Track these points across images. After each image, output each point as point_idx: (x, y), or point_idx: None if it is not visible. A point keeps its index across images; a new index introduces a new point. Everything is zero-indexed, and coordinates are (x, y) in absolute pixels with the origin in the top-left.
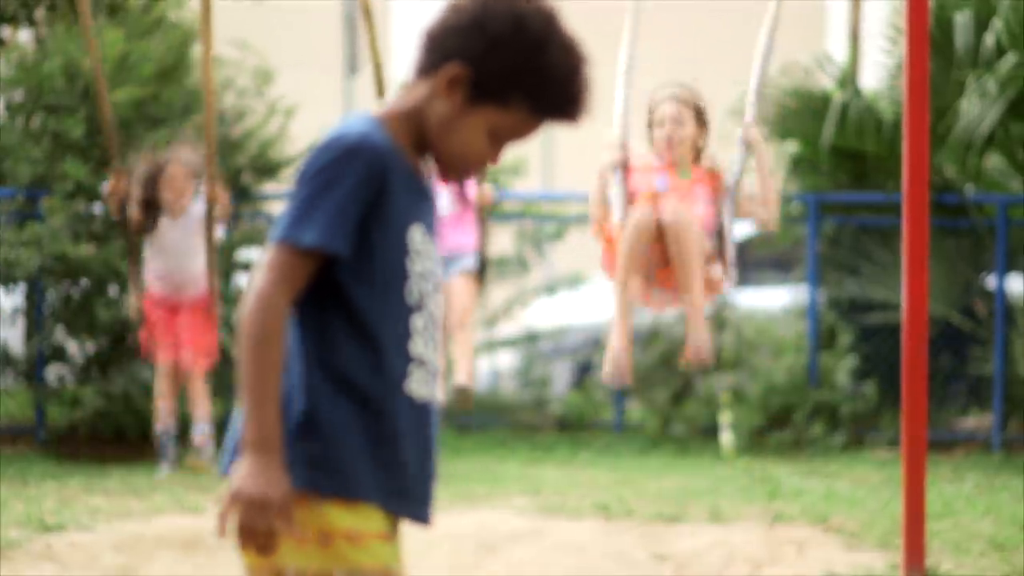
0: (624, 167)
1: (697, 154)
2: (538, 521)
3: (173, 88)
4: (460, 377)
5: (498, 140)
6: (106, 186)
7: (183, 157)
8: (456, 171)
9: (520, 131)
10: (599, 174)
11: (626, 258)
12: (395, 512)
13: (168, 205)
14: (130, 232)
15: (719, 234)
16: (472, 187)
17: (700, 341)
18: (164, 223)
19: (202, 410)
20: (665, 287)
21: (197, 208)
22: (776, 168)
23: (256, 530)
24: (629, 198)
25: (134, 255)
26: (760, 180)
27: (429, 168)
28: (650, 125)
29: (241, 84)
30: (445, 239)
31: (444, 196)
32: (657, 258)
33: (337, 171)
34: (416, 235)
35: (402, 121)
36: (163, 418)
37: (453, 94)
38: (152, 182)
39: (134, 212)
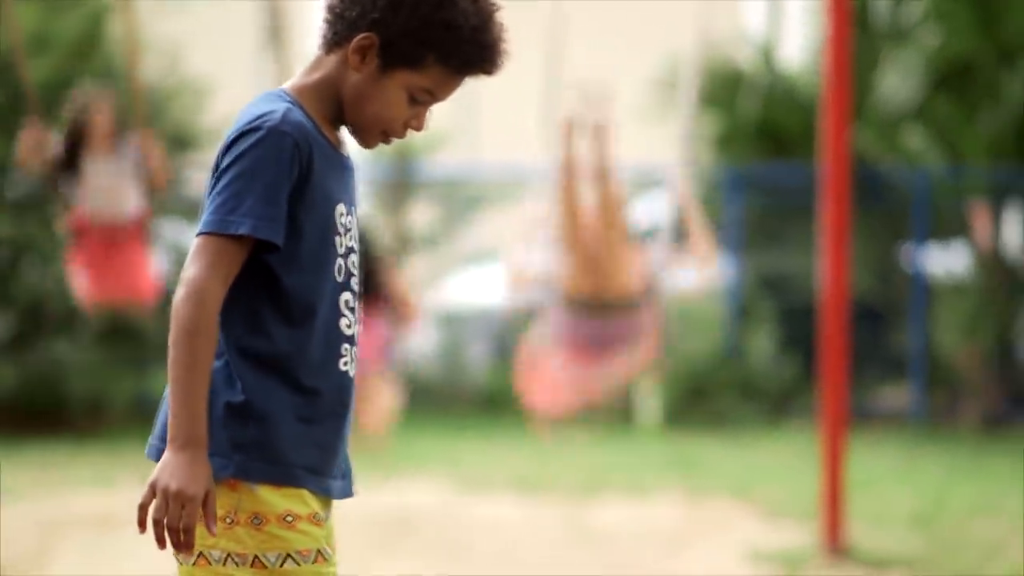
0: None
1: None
2: (458, 497)
3: (89, 63)
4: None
5: (418, 103)
6: (22, 138)
7: (105, 102)
8: (376, 138)
9: (439, 91)
10: (519, 239)
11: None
12: (328, 492)
13: (95, 146)
14: (53, 173)
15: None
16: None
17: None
18: (91, 167)
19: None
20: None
21: (127, 152)
22: (705, 222)
23: (174, 526)
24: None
25: (56, 188)
26: (696, 236)
27: (345, 139)
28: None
29: (156, 60)
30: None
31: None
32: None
33: (264, 155)
34: (341, 212)
35: (315, 95)
36: None
37: (365, 63)
38: (76, 126)
39: (56, 152)
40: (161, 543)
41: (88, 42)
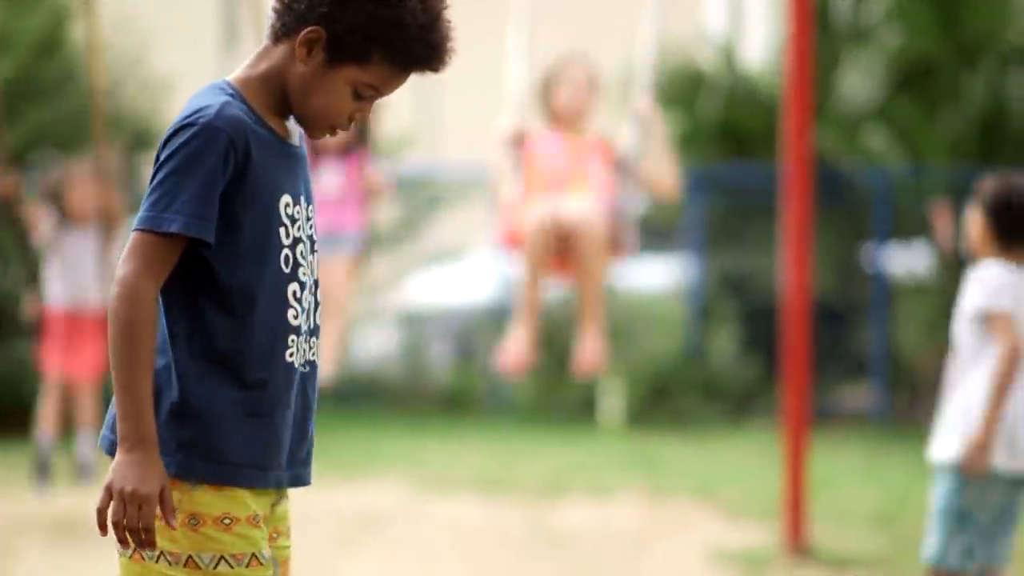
0: (520, 139)
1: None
2: (418, 497)
3: (51, 63)
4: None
5: (363, 97)
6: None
7: (90, 166)
8: (322, 130)
9: (384, 86)
10: (498, 144)
11: (531, 261)
12: (273, 487)
13: (74, 215)
14: (26, 239)
15: (618, 214)
16: (362, 167)
17: (594, 352)
18: (68, 234)
19: (89, 423)
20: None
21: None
22: (670, 140)
23: (134, 526)
24: (527, 163)
25: (28, 261)
26: (657, 154)
27: (295, 129)
28: (546, 88)
29: (118, 59)
30: (327, 217)
31: (330, 175)
32: (556, 250)
33: (197, 151)
34: (286, 203)
35: (261, 86)
36: (46, 431)
37: (311, 56)
38: (57, 191)
39: (35, 220)
40: (124, 544)
41: (50, 42)
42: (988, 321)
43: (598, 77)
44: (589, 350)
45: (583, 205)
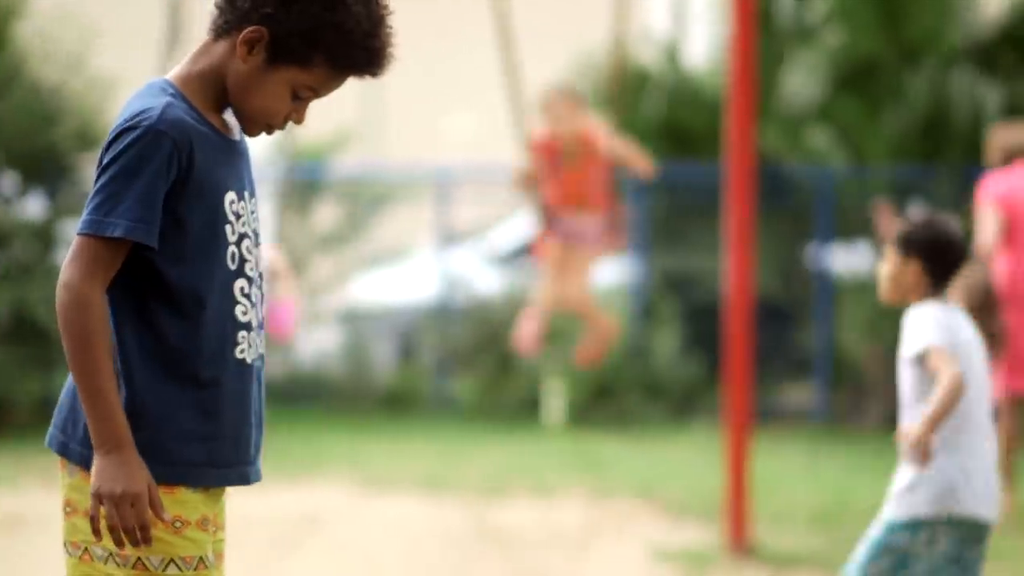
0: (531, 182)
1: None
2: (362, 497)
3: None
4: None
5: (301, 98)
6: None
7: None
8: (259, 128)
9: (323, 88)
10: (515, 188)
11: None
12: (222, 484)
13: None
14: None
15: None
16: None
17: (595, 351)
18: None
19: None
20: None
21: None
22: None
23: (128, 526)
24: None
25: None
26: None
27: (235, 123)
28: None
29: (61, 57)
30: None
31: None
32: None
33: (140, 154)
34: (231, 199)
35: (201, 83)
36: None
37: (252, 55)
38: None
39: None
40: (120, 545)
41: None
42: (927, 359)
43: (582, 98)
44: (593, 344)
45: (591, 225)
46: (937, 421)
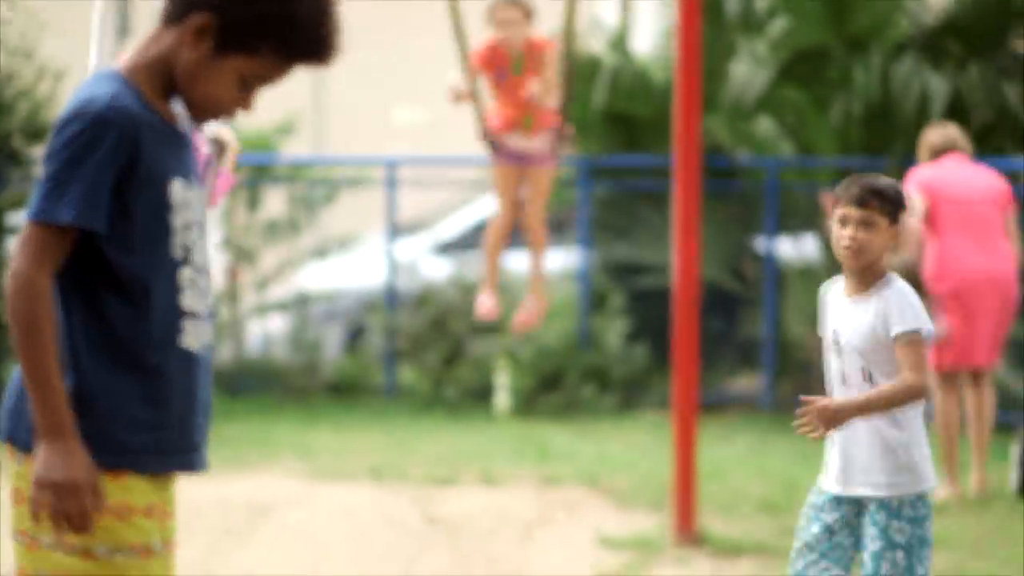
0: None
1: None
2: (310, 485)
3: None
4: None
5: (249, 86)
6: None
7: None
8: (206, 117)
9: (271, 76)
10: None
11: (492, 246)
12: (169, 470)
13: None
14: None
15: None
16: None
17: (533, 313)
18: None
19: None
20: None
21: None
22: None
23: (71, 514)
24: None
25: None
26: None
27: (182, 112)
28: (491, 23)
29: (10, 45)
30: None
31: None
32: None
33: (87, 142)
34: (176, 188)
35: (149, 72)
36: None
37: (200, 44)
38: None
39: None
40: (61, 533)
41: None
42: (907, 343)
43: (531, 6)
44: (530, 306)
45: (538, 146)
46: (870, 407)
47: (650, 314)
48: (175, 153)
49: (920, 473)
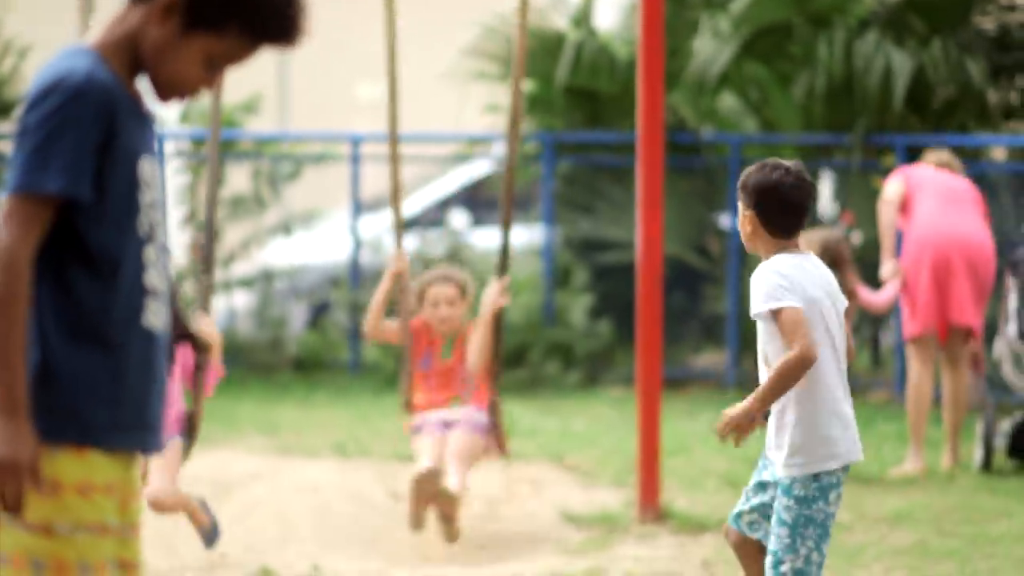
0: (405, 276)
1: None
2: (274, 461)
3: None
4: None
5: (214, 66)
6: None
7: None
8: (172, 95)
9: (237, 56)
10: (383, 283)
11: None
12: (129, 447)
13: None
14: None
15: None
16: None
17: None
18: None
19: None
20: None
21: None
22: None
23: (5, 493)
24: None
25: None
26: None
27: (145, 93)
28: (421, 301)
29: None
30: None
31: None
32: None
33: (68, 114)
34: (145, 166)
35: (117, 49)
36: None
37: (167, 22)
38: None
39: None
40: None
41: None
42: (778, 318)
43: (468, 286)
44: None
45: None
46: (770, 401)
47: (614, 290)
48: (143, 133)
49: (814, 455)
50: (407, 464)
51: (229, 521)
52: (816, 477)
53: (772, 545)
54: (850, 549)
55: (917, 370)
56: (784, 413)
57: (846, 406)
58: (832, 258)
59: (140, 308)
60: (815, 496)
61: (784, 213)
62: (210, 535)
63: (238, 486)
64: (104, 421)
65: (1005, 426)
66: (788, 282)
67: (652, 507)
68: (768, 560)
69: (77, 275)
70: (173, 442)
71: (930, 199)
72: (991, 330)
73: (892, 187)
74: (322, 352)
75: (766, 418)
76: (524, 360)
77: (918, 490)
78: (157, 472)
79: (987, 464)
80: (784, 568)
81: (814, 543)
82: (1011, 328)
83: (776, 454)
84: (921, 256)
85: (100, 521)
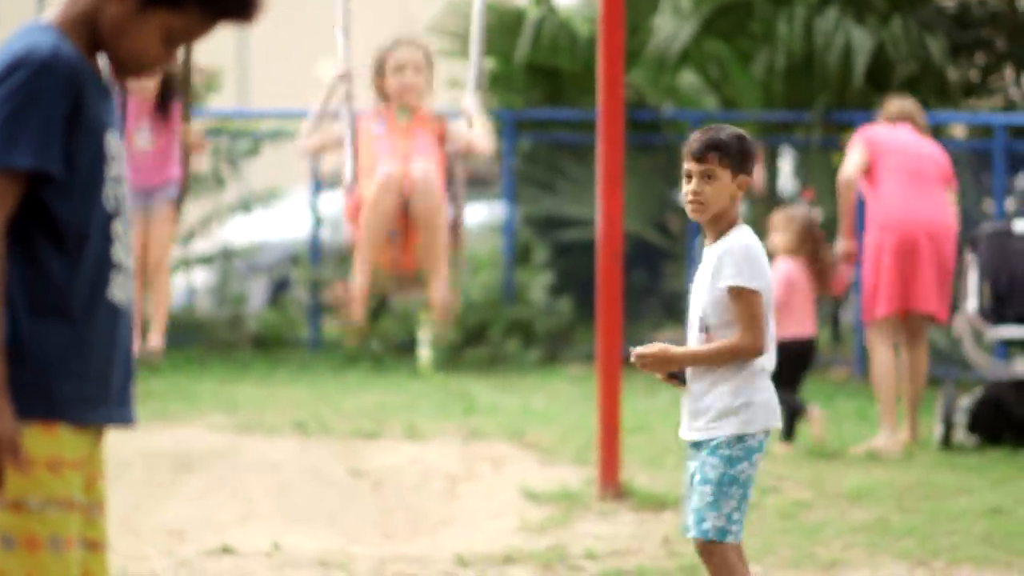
0: (350, 80)
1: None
2: (235, 439)
3: None
4: (153, 340)
5: (172, 42)
6: None
7: None
8: (130, 72)
9: (194, 32)
10: (325, 89)
11: (370, 227)
12: (98, 421)
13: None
14: None
15: (450, 179)
16: (177, 120)
17: (446, 300)
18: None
19: None
20: (406, 267)
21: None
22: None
23: None
24: (360, 140)
25: None
26: (476, 139)
27: (106, 69)
28: (381, 72)
29: None
30: (147, 172)
31: (146, 129)
32: (400, 224)
33: (36, 88)
34: (110, 140)
35: (78, 25)
36: None
37: None
38: None
39: None
40: None
41: None
42: (741, 297)
43: (432, 56)
44: (439, 299)
45: (422, 165)
46: (698, 366)
47: (574, 267)
48: (106, 107)
49: (742, 419)
50: (368, 441)
51: (189, 499)
52: (742, 439)
53: (695, 503)
54: (810, 526)
55: (880, 351)
56: (711, 377)
57: (769, 371)
58: (813, 236)
59: (106, 282)
60: (740, 457)
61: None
62: None
63: (198, 463)
64: (71, 395)
65: (965, 402)
66: (761, 265)
67: (612, 484)
68: (691, 518)
69: (44, 248)
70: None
71: (896, 174)
72: (951, 307)
73: (853, 158)
74: (282, 329)
75: (682, 382)
76: (484, 338)
77: (878, 467)
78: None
79: (947, 441)
80: (707, 525)
81: (736, 502)
82: (971, 304)
83: (700, 421)
84: (884, 240)
85: (68, 497)
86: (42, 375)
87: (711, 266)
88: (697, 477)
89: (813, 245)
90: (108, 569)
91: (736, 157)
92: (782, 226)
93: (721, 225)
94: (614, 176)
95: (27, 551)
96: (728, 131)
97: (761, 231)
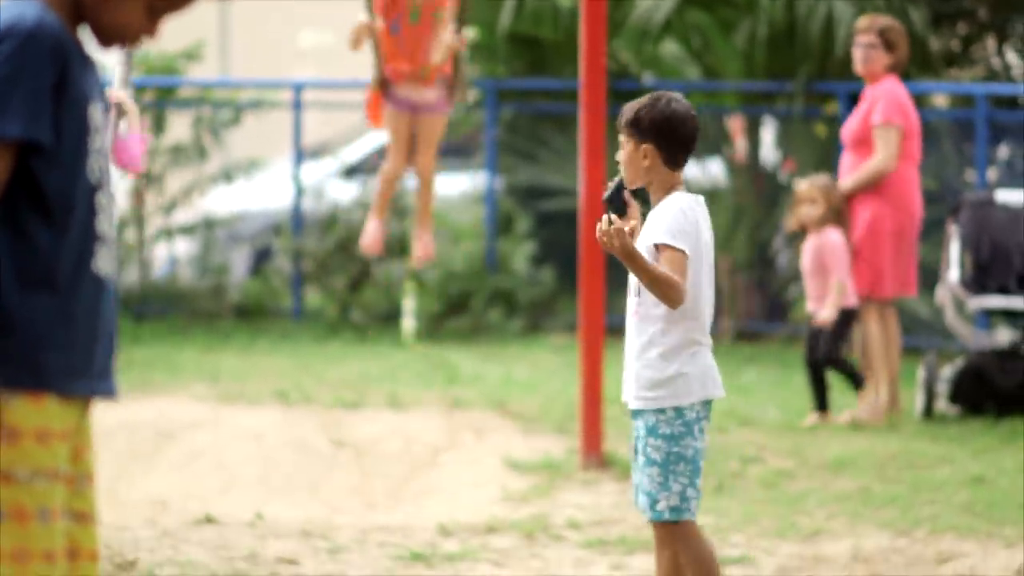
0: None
1: None
2: (217, 408)
3: None
4: None
5: (156, 13)
6: None
7: None
8: (114, 42)
9: (178, 4)
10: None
11: (384, 189)
12: (83, 393)
13: None
14: None
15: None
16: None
17: (429, 248)
18: None
19: None
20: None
21: None
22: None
23: None
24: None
25: None
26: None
27: (87, 39)
28: None
29: None
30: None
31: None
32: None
33: (22, 58)
34: (94, 112)
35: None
36: None
37: None
38: None
39: None
40: None
41: None
42: (662, 255)
43: None
44: (424, 244)
45: (431, 96)
46: (641, 274)
47: (557, 237)
48: (90, 79)
49: (674, 390)
50: (351, 411)
51: (172, 469)
52: (680, 413)
53: (645, 486)
54: (792, 496)
55: (874, 326)
56: (646, 347)
57: (707, 345)
58: (837, 208)
59: (91, 254)
60: (681, 432)
61: (683, 146)
62: None
63: (180, 434)
64: (58, 367)
65: (946, 372)
66: (690, 225)
67: (595, 454)
68: (643, 501)
69: (30, 218)
70: None
71: (912, 160)
72: (933, 277)
73: (894, 151)
74: (264, 299)
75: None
76: (466, 307)
77: (860, 436)
78: None
79: (929, 411)
80: (660, 507)
81: (687, 479)
82: (952, 274)
83: (634, 388)
84: (904, 223)
85: (55, 468)
86: (30, 346)
87: (646, 228)
88: (642, 459)
89: (839, 216)
90: (97, 541)
91: (635, 126)
92: (815, 197)
93: (659, 192)
94: (596, 146)
95: (16, 523)
96: (641, 101)
97: (743, 200)
